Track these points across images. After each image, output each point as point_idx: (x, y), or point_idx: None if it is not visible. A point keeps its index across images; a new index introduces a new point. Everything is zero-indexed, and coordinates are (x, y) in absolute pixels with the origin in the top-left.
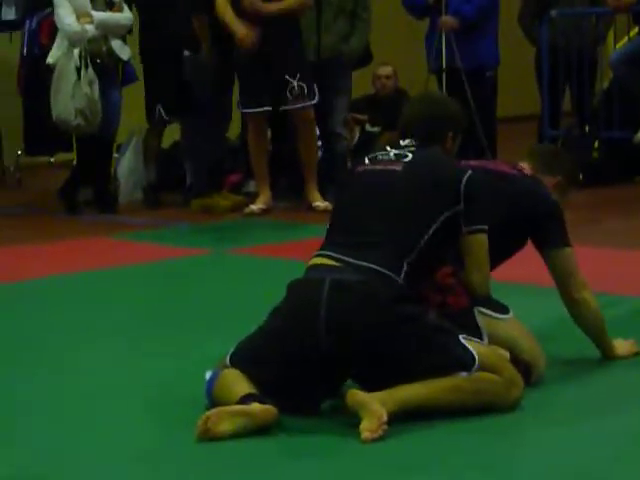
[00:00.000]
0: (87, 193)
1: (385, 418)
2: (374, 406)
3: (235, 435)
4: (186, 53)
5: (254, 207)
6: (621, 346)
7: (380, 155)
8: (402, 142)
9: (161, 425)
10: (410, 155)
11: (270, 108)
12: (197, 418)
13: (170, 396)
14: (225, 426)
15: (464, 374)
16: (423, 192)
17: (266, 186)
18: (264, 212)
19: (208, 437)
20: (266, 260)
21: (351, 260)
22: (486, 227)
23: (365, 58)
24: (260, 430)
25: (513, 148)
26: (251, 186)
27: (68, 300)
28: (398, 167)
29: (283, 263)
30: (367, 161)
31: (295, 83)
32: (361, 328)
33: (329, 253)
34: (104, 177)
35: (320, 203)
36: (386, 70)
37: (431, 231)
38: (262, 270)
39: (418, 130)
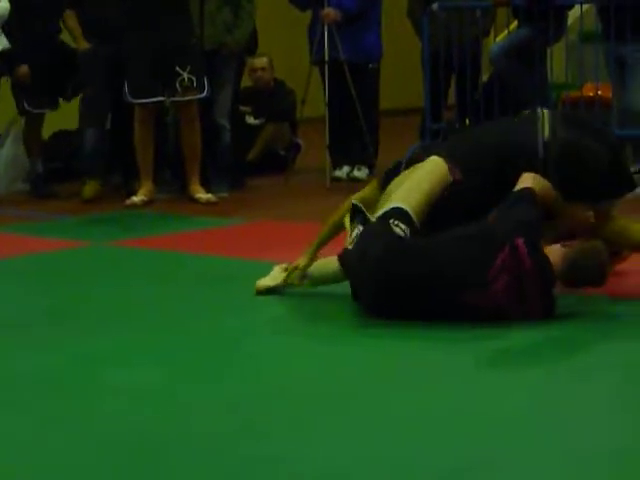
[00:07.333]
0: None
1: None
2: None
3: None
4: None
5: (136, 199)
6: None
7: None
8: None
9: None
10: None
11: (163, 98)
12: (71, 412)
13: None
14: None
15: None
16: None
17: (149, 178)
18: (146, 204)
19: None
20: (145, 252)
21: None
22: None
23: (251, 47)
24: None
25: (395, 141)
26: (115, 177)
27: None
28: None
29: (162, 255)
30: None
31: (185, 75)
32: None
33: None
34: None
35: (202, 195)
36: (261, 62)
37: None
38: (140, 262)
39: None
